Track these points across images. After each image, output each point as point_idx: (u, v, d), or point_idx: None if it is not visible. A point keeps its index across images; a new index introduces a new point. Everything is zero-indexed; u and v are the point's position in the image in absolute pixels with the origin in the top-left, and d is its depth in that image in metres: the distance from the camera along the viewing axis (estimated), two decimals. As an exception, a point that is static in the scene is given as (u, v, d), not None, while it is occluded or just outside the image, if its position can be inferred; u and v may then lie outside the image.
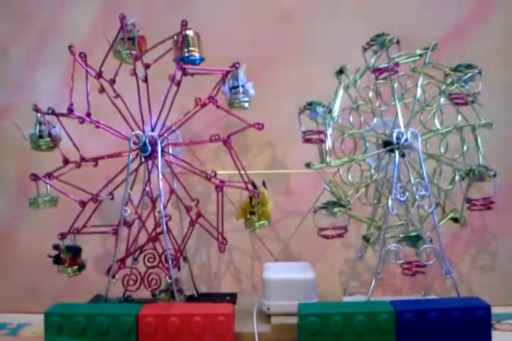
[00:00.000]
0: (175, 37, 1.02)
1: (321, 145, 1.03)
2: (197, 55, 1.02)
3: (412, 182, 1.02)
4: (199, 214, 1.06)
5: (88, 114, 1.06)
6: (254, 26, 1.22)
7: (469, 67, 1.04)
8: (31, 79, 1.25)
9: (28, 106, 1.05)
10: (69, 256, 1.05)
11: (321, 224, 1.04)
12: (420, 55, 1.05)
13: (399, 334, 0.90)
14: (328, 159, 1.01)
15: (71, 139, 1.06)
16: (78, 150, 1.07)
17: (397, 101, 1.03)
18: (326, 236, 1.04)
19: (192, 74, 1.04)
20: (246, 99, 0.99)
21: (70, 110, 1.06)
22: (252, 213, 1.02)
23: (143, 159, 1.05)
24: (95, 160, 1.07)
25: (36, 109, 1.04)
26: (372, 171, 1.06)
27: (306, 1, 1.24)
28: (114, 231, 1.06)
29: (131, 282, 1.05)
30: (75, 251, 1.06)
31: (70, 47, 1.06)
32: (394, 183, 1.00)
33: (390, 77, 1.03)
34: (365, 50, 1.05)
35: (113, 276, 1.02)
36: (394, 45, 1.04)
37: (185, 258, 1.12)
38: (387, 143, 1.03)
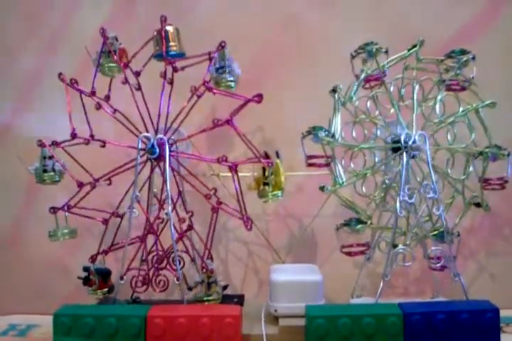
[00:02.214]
0: (155, 33, 1.03)
1: (333, 166, 1.02)
2: (176, 50, 1.03)
3: (424, 183, 1.02)
4: (219, 202, 1.06)
5: (92, 136, 1.08)
6: (258, 27, 1.23)
7: (463, 52, 1.03)
8: (40, 80, 1.27)
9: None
10: (99, 279, 1.05)
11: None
12: (410, 54, 1.04)
13: (407, 336, 0.90)
14: (340, 180, 1.01)
15: (80, 165, 1.07)
16: (91, 175, 1.08)
17: (396, 107, 1.03)
18: (349, 254, 1.04)
19: (182, 69, 1.04)
20: (232, 78, 1.00)
21: (74, 135, 1.07)
22: (265, 184, 1.01)
23: (153, 163, 1.05)
24: (108, 179, 1.09)
25: (41, 144, 1.05)
26: (387, 181, 1.06)
27: (313, 2, 1.24)
28: (141, 240, 1.07)
29: (139, 283, 1.06)
30: (105, 274, 1.06)
31: (59, 74, 1.07)
32: (402, 185, 1.00)
33: (385, 83, 1.02)
34: (352, 57, 1.04)
35: (121, 278, 1.03)
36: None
37: (193, 260, 1.12)
38: (395, 148, 1.03)
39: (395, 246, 1.04)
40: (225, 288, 1.05)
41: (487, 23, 1.22)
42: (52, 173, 1.05)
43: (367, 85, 1.04)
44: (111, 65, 1.05)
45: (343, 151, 1.03)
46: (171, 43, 1.02)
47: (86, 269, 1.05)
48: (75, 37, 1.24)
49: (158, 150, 1.03)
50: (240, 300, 1.09)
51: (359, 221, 1.03)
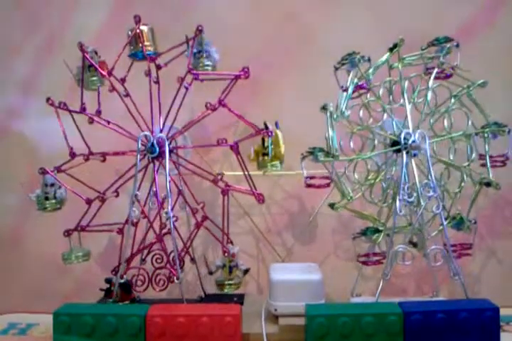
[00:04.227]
0: (129, 32, 1.04)
1: (337, 183, 1.02)
2: (151, 49, 1.04)
3: (423, 182, 1.01)
4: (227, 184, 1.07)
5: (90, 152, 1.09)
6: (260, 27, 1.23)
7: (447, 40, 1.03)
8: (40, 79, 1.27)
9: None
10: (120, 291, 1.04)
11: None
12: (392, 54, 1.03)
13: (407, 335, 0.89)
14: (348, 196, 1.01)
15: (84, 183, 1.09)
16: (98, 191, 1.09)
17: (389, 111, 1.02)
18: (365, 263, 1.04)
19: (165, 64, 1.06)
20: (209, 63, 1.02)
21: (73, 154, 1.08)
22: (264, 154, 1.02)
23: (155, 164, 1.06)
24: (115, 191, 1.10)
25: (43, 172, 1.06)
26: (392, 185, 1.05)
27: (314, 1, 1.24)
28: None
29: (139, 282, 1.06)
30: (127, 286, 1.05)
31: (47, 99, 1.08)
32: (401, 184, 1.00)
33: (372, 90, 1.02)
34: (336, 69, 1.04)
35: (121, 277, 1.03)
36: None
37: (192, 259, 1.12)
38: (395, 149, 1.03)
39: (413, 244, 1.04)
40: (246, 272, 1.06)
41: (487, 21, 1.21)
42: (53, 201, 1.05)
43: (355, 94, 1.03)
44: (92, 78, 1.06)
45: (344, 163, 1.02)
46: (146, 43, 1.04)
47: (108, 281, 1.05)
48: (74, 37, 1.24)
49: (157, 149, 1.03)
50: (239, 299, 1.10)
51: (375, 230, 1.03)
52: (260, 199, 1.02)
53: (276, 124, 1.03)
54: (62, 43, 1.24)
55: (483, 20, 1.21)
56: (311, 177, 1.00)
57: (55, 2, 1.26)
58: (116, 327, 0.91)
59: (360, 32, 1.20)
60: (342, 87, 1.03)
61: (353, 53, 1.01)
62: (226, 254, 1.03)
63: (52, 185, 1.05)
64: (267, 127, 1.01)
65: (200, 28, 1.01)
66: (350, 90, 1.01)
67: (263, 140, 1.02)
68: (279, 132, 1.02)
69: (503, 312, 0.92)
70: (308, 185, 1.01)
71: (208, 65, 1.02)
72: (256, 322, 0.98)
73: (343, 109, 1.01)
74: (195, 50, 1.02)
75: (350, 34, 1.20)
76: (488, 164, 1.05)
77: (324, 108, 1.01)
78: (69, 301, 0.98)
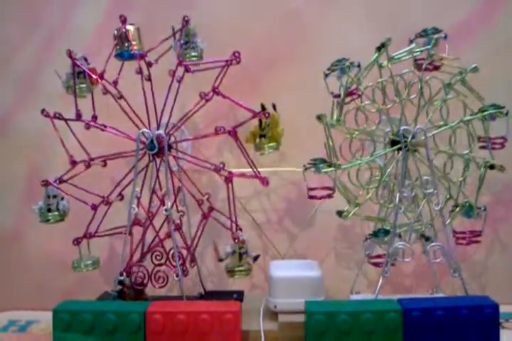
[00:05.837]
0: (115, 32, 1.04)
1: (342, 190, 1.02)
2: (137, 49, 1.05)
3: (423, 178, 1.02)
4: (230, 172, 1.06)
5: (90, 158, 1.09)
6: (259, 24, 1.22)
7: (435, 31, 1.02)
8: (38, 78, 1.26)
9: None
10: (133, 292, 1.04)
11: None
12: (380, 53, 1.02)
13: (406, 332, 0.90)
14: (356, 202, 1.02)
15: (86, 190, 1.09)
16: (103, 197, 1.09)
17: (384, 112, 1.02)
18: (376, 264, 1.04)
19: (156, 61, 1.06)
20: (195, 53, 1.03)
21: (73, 162, 1.08)
22: (262, 136, 1.02)
23: (156, 161, 1.06)
24: (120, 194, 1.10)
25: (45, 184, 1.06)
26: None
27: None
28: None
29: (138, 279, 1.06)
30: (139, 287, 1.05)
31: (43, 110, 1.08)
32: (401, 181, 1.00)
33: (365, 94, 1.02)
34: (326, 76, 1.04)
35: (121, 274, 1.03)
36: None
37: (192, 256, 1.12)
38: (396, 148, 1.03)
39: (427, 238, 1.04)
40: (256, 258, 1.06)
41: (486, 19, 1.21)
42: (56, 213, 1.05)
43: (347, 98, 1.03)
44: (81, 86, 1.06)
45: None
46: (133, 42, 1.04)
47: (120, 282, 1.05)
48: (73, 35, 1.24)
49: (157, 145, 1.03)
50: (239, 296, 1.10)
51: (385, 231, 1.03)
52: (265, 182, 1.02)
53: (274, 106, 1.03)
54: (62, 44, 1.23)
55: (482, 16, 1.21)
56: (313, 189, 1.00)
57: (54, 2, 1.26)
58: (116, 324, 0.91)
59: (359, 31, 1.20)
60: (332, 93, 1.03)
61: (343, 60, 1.01)
62: (236, 241, 1.03)
63: (54, 196, 1.05)
64: (264, 109, 1.01)
65: (186, 18, 1.01)
66: (342, 97, 1.01)
67: (260, 122, 1.02)
68: (276, 113, 1.02)
69: (502, 309, 0.92)
70: (311, 197, 1.00)
71: (194, 56, 1.03)
72: (256, 319, 0.98)
73: (339, 117, 1.01)
74: (182, 41, 1.02)
75: (348, 34, 1.20)
76: (489, 147, 1.05)
77: (319, 118, 1.01)
78: (69, 298, 0.98)
